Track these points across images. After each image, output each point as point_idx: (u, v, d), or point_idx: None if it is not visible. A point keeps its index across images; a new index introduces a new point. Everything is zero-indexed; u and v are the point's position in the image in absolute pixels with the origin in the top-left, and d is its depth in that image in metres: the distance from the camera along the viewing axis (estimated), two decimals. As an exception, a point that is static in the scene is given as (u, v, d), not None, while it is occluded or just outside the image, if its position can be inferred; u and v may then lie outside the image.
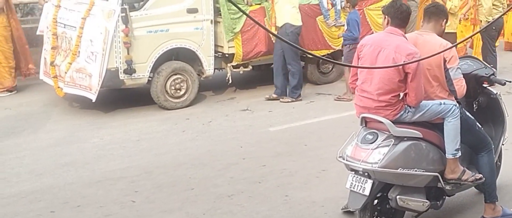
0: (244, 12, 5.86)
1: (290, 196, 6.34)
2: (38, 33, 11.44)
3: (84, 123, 9.15)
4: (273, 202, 6.20)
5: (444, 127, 5.19)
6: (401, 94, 5.12)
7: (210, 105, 10.22)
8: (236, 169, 7.17)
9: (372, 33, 11.15)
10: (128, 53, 9.44)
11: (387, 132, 5.06)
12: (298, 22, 10.38)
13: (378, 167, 4.92)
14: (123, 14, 9.31)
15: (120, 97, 10.05)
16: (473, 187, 5.84)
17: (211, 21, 10.28)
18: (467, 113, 5.42)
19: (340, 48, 11.25)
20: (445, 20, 5.49)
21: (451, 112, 5.14)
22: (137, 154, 7.77)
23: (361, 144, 5.10)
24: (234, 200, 6.27)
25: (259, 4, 10.76)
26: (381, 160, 4.94)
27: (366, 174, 5.02)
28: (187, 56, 10.23)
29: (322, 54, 11.00)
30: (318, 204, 6.12)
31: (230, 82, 10.65)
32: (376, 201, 5.24)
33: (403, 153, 5.01)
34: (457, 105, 5.22)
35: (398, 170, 4.97)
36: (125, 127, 8.94)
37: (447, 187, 5.31)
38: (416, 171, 5.05)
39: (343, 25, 10.89)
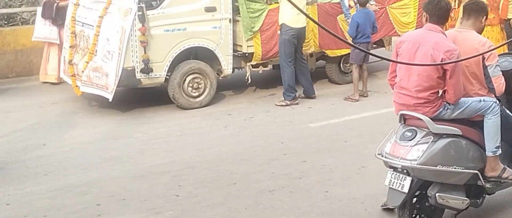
0: (307, 15, 5.29)
1: (330, 192, 6.38)
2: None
3: (129, 118, 9.31)
4: (313, 198, 6.25)
5: (484, 124, 5.16)
6: (440, 91, 5.11)
7: (251, 101, 10.29)
8: (277, 164, 7.23)
9: (395, 32, 11.36)
10: (145, 52, 9.35)
11: (426, 129, 5.05)
12: (298, 24, 9.92)
13: (417, 164, 4.92)
14: (140, 13, 9.22)
15: (164, 92, 10.17)
16: (514, 185, 5.80)
17: (230, 20, 10.09)
18: (507, 111, 5.38)
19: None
20: (485, 17, 5.45)
21: (491, 109, 5.12)
22: (180, 149, 7.89)
23: (400, 141, 5.10)
24: (275, 195, 6.33)
25: (278, 2, 10.33)
26: (420, 157, 4.93)
27: (405, 171, 5.02)
28: (205, 55, 10.09)
29: (342, 54, 11.01)
30: (358, 201, 6.15)
31: (249, 81, 10.42)
32: (415, 199, 5.23)
33: (442, 150, 5.00)
34: (497, 102, 5.19)
35: (437, 167, 4.96)
36: (168, 122, 9.08)
37: (487, 185, 5.27)
38: (455, 168, 5.03)
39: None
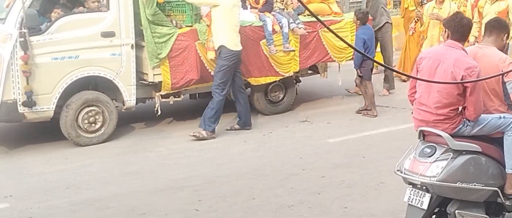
0: (321, 21, 3.88)
1: (349, 207, 6.34)
2: None
3: (150, 132, 9.33)
4: (332, 214, 6.21)
5: (504, 141, 5.10)
6: (460, 108, 5.07)
7: (270, 116, 10.27)
8: (296, 179, 7.20)
9: (330, 57, 10.57)
10: (27, 83, 8.19)
11: (446, 146, 5.00)
12: (237, 47, 9.04)
13: (436, 181, 4.87)
14: (22, 39, 8.09)
15: (184, 107, 10.19)
16: (535, 203, 5.72)
17: (132, 45, 8.96)
18: (527, 128, 5.32)
19: (290, 74, 10.26)
20: (506, 35, 5.42)
21: (511, 126, 5.05)
22: (200, 163, 7.90)
23: (419, 157, 5.06)
24: (295, 210, 6.30)
25: (190, 26, 9.37)
26: (439, 173, 4.88)
27: (424, 188, 4.97)
28: (106, 85, 9.01)
29: (268, 83, 10.14)
30: (377, 216, 6.10)
31: (159, 113, 9.38)
32: (434, 216, 5.18)
33: (461, 167, 4.95)
34: (518, 119, 5.14)
35: (457, 184, 4.90)
36: (188, 137, 9.06)
37: (507, 203, 5.17)
38: (475, 185, 4.97)
39: (293, 50, 10.09)
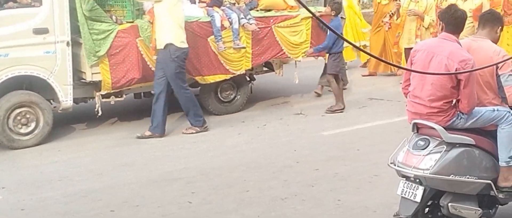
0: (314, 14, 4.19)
1: (342, 200, 6.36)
2: None
3: (143, 125, 9.31)
4: (326, 206, 6.23)
5: (498, 134, 5.13)
6: (454, 100, 5.10)
7: (265, 108, 10.31)
8: (290, 172, 7.22)
9: (284, 54, 10.20)
10: None
11: (439, 139, 5.04)
12: (185, 44, 8.62)
13: (429, 174, 4.90)
14: None
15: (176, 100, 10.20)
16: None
17: (68, 43, 8.52)
18: (521, 121, 5.35)
19: (242, 72, 9.91)
20: (500, 28, 5.45)
21: (504, 119, 5.08)
22: (194, 155, 7.91)
23: (412, 150, 5.09)
24: (288, 203, 6.32)
25: (131, 22, 8.95)
26: (432, 166, 4.91)
27: (417, 180, 5.00)
28: (40, 85, 8.56)
29: (217, 81, 9.75)
30: (370, 209, 6.12)
31: (99, 114, 9.01)
32: (427, 209, 5.21)
33: (455, 160, 4.98)
34: (511, 112, 5.17)
35: (450, 177, 4.93)
36: (182, 129, 9.09)
37: (500, 196, 5.21)
38: (468, 178, 5.00)
39: (244, 47, 9.71)
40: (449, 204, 5.00)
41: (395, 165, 5.18)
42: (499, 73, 5.17)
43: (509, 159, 5.11)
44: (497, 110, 5.11)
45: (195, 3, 9.87)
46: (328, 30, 9.73)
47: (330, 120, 9.57)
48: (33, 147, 8.37)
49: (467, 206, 5.07)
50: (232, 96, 10.17)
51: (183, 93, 8.77)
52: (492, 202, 5.31)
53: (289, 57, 10.37)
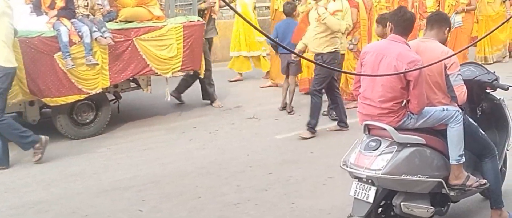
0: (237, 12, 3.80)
1: (296, 204, 6.47)
2: None
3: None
4: (280, 210, 6.33)
5: (448, 133, 5.31)
6: (404, 101, 5.26)
7: (217, 114, 10.37)
8: (243, 177, 7.31)
9: (150, 69, 9.47)
10: None
11: (390, 139, 5.18)
12: (11, 64, 7.56)
13: (381, 174, 5.03)
14: None
15: (125, 106, 10.19)
16: (478, 193, 5.93)
17: None
18: (470, 119, 5.54)
19: (98, 91, 9.00)
20: (448, 28, 5.63)
21: (454, 118, 5.27)
22: (144, 163, 7.93)
23: (364, 151, 5.22)
24: (241, 208, 6.40)
25: None
26: (384, 166, 5.04)
27: (370, 181, 5.13)
28: None
29: (70, 102, 8.87)
30: (325, 212, 6.24)
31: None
32: (380, 209, 5.35)
33: (406, 160, 5.12)
34: (460, 111, 5.34)
35: (402, 177, 5.07)
36: (131, 136, 9.10)
37: (452, 193, 5.40)
38: (420, 177, 5.15)
39: (98, 64, 8.84)
40: (402, 203, 5.13)
41: (347, 167, 5.29)
42: (448, 73, 5.33)
43: (459, 157, 5.29)
44: (447, 110, 5.29)
45: (42, 14, 8.91)
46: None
47: (283, 123, 9.69)
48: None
49: (420, 205, 5.21)
50: (90, 118, 9.29)
51: None
52: (444, 200, 5.49)
53: (157, 73, 9.62)
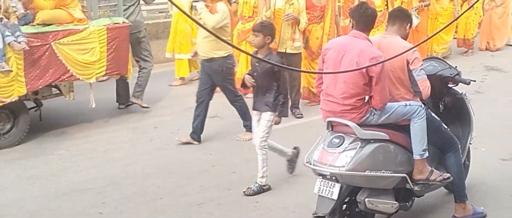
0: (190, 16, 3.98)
1: (260, 202, 6.47)
2: None
3: (50, 135, 9.18)
4: (243, 209, 6.33)
5: (411, 128, 5.36)
6: (367, 97, 5.29)
7: (178, 113, 10.30)
8: (206, 177, 7.29)
9: (72, 75, 8.97)
10: None
11: (354, 135, 5.21)
12: None
13: (345, 171, 5.06)
14: None
15: (85, 107, 10.08)
16: (443, 187, 6.02)
17: None
18: (433, 114, 5.61)
19: (14, 99, 8.49)
20: (409, 24, 5.69)
21: (416, 113, 5.32)
22: (104, 164, 7.85)
23: (327, 148, 5.24)
24: (204, 208, 6.38)
25: None
26: (348, 163, 5.08)
27: (333, 178, 5.16)
28: None
29: None
30: (289, 210, 6.26)
31: None
32: (345, 205, 5.37)
33: (370, 156, 5.17)
34: (423, 106, 5.40)
35: (366, 173, 5.11)
36: (91, 137, 9.00)
37: (416, 188, 5.46)
38: (383, 173, 5.20)
39: (11, 70, 8.29)
40: (366, 199, 5.17)
41: (311, 164, 5.32)
42: (411, 68, 5.39)
43: (422, 152, 5.35)
44: (409, 105, 5.34)
45: None
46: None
47: (246, 122, 9.66)
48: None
49: (384, 200, 5.27)
50: (8, 127, 8.76)
51: None
52: (409, 195, 5.55)
53: (79, 79, 9.14)
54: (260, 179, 6.76)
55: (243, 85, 7.03)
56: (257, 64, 6.87)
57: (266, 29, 6.82)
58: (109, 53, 9.29)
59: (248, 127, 8.48)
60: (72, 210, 6.44)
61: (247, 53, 8.75)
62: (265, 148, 6.81)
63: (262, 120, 6.84)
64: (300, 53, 10.05)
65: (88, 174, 7.51)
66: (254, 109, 6.96)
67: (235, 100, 8.78)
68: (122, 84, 10.50)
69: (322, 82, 5.51)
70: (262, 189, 6.75)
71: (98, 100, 9.79)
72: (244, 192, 6.70)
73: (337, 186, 5.14)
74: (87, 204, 6.59)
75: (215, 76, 8.48)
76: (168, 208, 6.40)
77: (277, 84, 6.75)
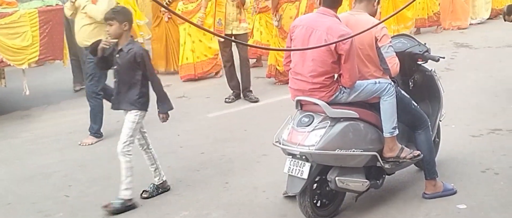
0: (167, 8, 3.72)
1: (230, 182, 6.46)
2: None
3: (13, 118, 9.09)
4: (213, 190, 6.31)
5: (380, 106, 5.36)
6: (336, 75, 5.28)
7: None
8: (174, 157, 7.26)
9: (1, 60, 8.74)
10: None
11: (323, 114, 5.19)
12: None
13: (315, 150, 5.05)
14: None
15: (50, 89, 9.98)
16: (413, 165, 6.06)
17: None
18: (402, 92, 5.62)
19: None
20: (377, 1, 5.67)
21: (386, 90, 5.33)
22: (70, 147, 7.80)
23: (297, 127, 5.23)
24: (172, 189, 6.35)
25: None
26: (318, 142, 5.07)
27: (303, 157, 5.14)
28: None
29: None
30: (259, 190, 6.25)
31: None
32: (315, 185, 5.38)
33: (340, 134, 5.16)
34: (392, 83, 5.40)
35: (336, 152, 5.11)
36: (57, 120, 8.93)
37: (386, 166, 5.48)
38: (354, 151, 5.20)
39: None
40: (337, 178, 5.17)
41: (280, 144, 5.31)
42: (379, 45, 5.38)
43: (392, 130, 5.37)
44: (379, 83, 5.34)
45: None
46: None
47: (215, 101, 9.65)
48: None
49: (355, 178, 5.28)
50: None
51: None
52: (379, 173, 5.56)
53: (10, 64, 8.90)
54: (124, 192, 5.86)
55: (93, 51, 6.22)
56: (117, 55, 5.99)
57: (120, 15, 5.95)
58: (42, 37, 9.00)
59: (93, 132, 8.05)
60: (37, 194, 6.38)
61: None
62: (129, 154, 5.89)
63: (125, 121, 6.01)
64: (247, 33, 10.00)
65: (53, 157, 7.47)
66: (114, 108, 6.23)
67: (93, 96, 8.06)
68: (77, 66, 10.29)
69: (291, 61, 5.49)
70: (126, 206, 5.85)
71: (59, 81, 9.68)
72: (104, 206, 5.85)
73: (307, 165, 5.13)
74: (53, 188, 6.53)
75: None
76: (135, 190, 6.34)
77: (141, 77, 5.97)
